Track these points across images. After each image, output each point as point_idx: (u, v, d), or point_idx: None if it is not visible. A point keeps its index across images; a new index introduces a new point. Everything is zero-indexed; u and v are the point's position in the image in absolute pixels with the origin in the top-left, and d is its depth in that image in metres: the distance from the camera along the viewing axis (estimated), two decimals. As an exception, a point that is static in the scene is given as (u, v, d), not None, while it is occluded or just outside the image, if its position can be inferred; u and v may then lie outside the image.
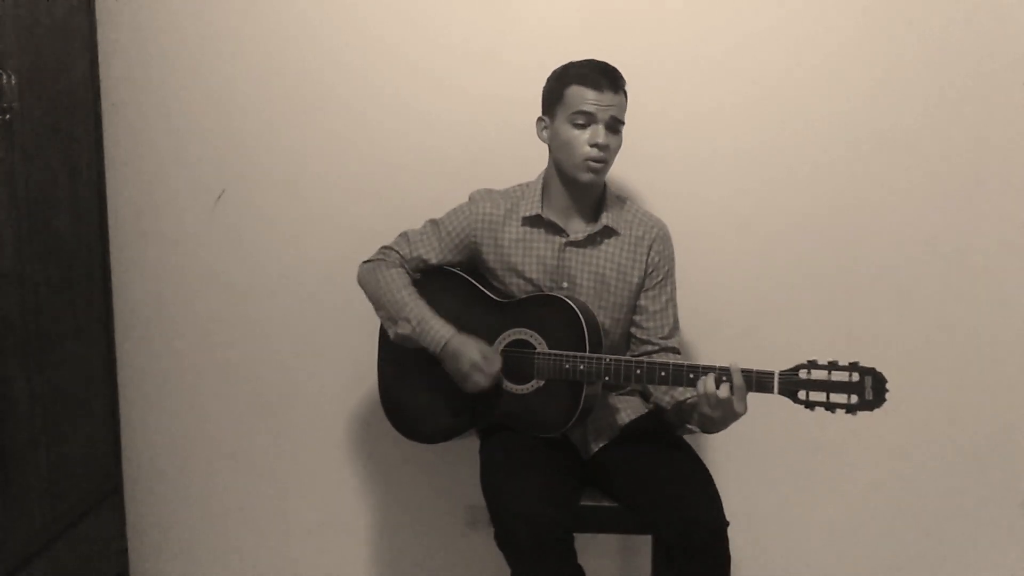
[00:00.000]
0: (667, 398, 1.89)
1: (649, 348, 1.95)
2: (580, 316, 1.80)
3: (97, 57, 2.20)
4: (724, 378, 1.67)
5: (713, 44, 2.21)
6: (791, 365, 1.64)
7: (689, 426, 1.88)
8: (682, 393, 1.85)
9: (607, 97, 1.82)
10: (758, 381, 1.66)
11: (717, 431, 1.75)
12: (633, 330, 1.98)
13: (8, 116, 1.79)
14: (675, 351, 1.97)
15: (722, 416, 1.69)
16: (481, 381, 1.83)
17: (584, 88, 1.82)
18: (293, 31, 2.25)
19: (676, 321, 1.99)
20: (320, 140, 2.28)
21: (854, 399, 1.60)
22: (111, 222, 2.28)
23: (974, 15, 2.18)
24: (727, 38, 2.21)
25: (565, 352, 1.81)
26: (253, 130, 2.28)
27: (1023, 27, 2.19)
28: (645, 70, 2.13)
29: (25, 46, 1.87)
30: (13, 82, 1.81)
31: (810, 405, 1.62)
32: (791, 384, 1.63)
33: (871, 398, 1.59)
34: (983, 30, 2.19)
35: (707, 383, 1.67)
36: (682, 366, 1.72)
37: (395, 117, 2.26)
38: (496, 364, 1.84)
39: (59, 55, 2.02)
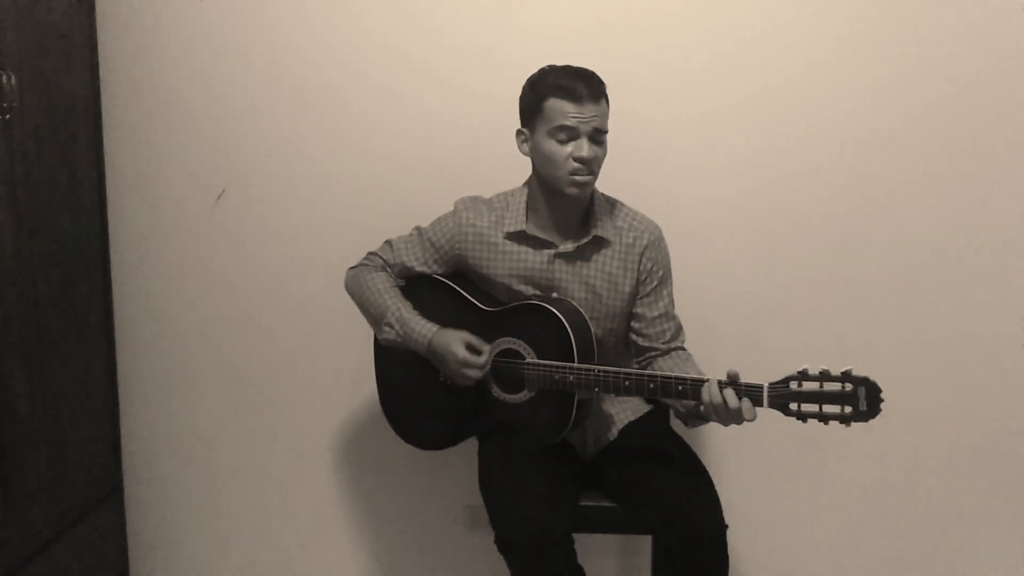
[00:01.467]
0: (679, 406, 1.79)
1: (653, 354, 1.92)
2: (567, 326, 1.76)
3: (97, 57, 2.19)
4: (724, 385, 1.61)
5: (712, 45, 2.20)
6: (787, 368, 1.59)
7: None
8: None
9: (588, 108, 1.73)
10: (746, 395, 1.60)
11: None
12: (635, 338, 1.93)
13: (8, 116, 1.79)
14: (682, 349, 1.93)
15: (732, 421, 1.64)
16: (472, 374, 1.81)
17: (563, 101, 1.73)
18: (293, 31, 2.24)
19: (678, 323, 1.94)
20: (320, 140, 2.28)
21: (848, 410, 1.54)
22: (111, 222, 2.28)
23: (974, 17, 2.17)
24: (726, 39, 2.20)
25: (554, 363, 1.77)
26: (253, 130, 2.28)
27: (1022, 29, 2.18)
28: (643, 71, 2.13)
29: (25, 46, 1.87)
30: (13, 82, 1.80)
31: (802, 417, 1.56)
32: (781, 397, 1.57)
33: (865, 408, 1.53)
34: (983, 33, 2.17)
35: (712, 392, 1.61)
36: (670, 378, 1.68)
37: (396, 117, 2.26)
38: (484, 354, 1.81)
39: (59, 55, 2.02)
